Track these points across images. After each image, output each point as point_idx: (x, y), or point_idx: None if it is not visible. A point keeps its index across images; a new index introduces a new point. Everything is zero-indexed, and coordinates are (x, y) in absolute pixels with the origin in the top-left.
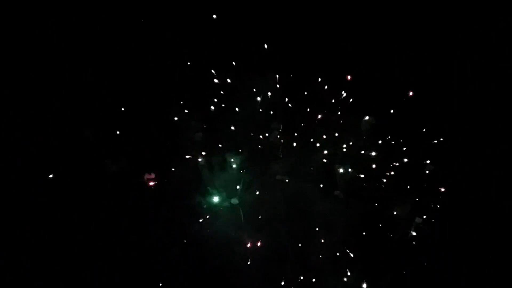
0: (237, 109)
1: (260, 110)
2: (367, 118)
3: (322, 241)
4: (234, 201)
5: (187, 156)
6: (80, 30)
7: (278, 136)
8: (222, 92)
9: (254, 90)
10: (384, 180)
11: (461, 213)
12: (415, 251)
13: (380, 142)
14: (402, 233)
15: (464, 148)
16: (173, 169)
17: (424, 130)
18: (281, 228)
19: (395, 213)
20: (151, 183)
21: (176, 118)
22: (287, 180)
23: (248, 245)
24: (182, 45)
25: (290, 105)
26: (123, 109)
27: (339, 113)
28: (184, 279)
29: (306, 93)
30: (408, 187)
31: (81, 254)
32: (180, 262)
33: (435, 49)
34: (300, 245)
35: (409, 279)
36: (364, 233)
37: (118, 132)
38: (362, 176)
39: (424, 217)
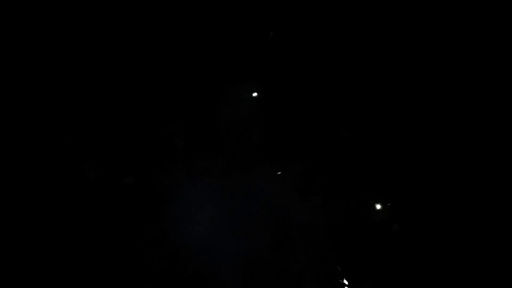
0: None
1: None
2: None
3: (302, 248)
4: (212, 207)
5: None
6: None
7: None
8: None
9: (236, 94)
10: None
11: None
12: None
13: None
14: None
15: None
16: (151, 175)
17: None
18: (260, 235)
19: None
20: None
21: (155, 123)
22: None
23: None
24: (161, 45)
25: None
26: (93, 114)
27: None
28: (162, 286)
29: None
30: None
31: (60, 263)
32: (158, 269)
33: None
34: (278, 252)
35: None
36: (345, 238)
37: (97, 137)
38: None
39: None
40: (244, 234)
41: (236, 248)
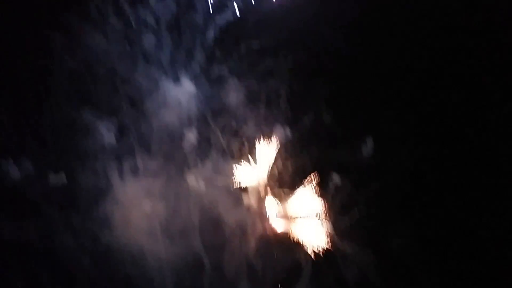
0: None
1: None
2: None
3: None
4: (145, 209)
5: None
6: None
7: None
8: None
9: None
10: None
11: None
12: None
13: None
14: None
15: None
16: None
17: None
18: (196, 238)
19: None
20: None
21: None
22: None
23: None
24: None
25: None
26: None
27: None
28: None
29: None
30: None
31: None
32: (90, 271)
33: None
34: (214, 255)
35: None
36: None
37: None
38: None
39: None
40: (179, 236)
41: (171, 250)
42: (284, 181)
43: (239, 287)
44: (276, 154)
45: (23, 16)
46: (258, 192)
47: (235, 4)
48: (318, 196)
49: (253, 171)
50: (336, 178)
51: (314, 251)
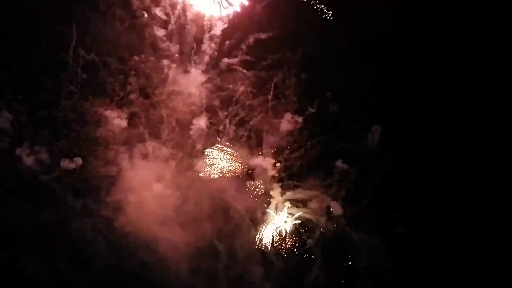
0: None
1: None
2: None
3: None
4: (156, 195)
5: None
6: None
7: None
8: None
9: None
10: None
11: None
12: None
13: None
14: None
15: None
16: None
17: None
18: (207, 223)
19: None
20: None
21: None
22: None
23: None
24: None
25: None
26: None
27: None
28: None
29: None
30: None
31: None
32: (102, 257)
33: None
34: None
35: None
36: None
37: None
38: None
39: None
40: (190, 222)
41: (183, 237)
42: (291, 169)
43: (253, 271)
44: (283, 142)
45: (37, 10)
46: (266, 180)
47: None
48: (325, 184)
49: (260, 159)
50: (342, 166)
51: (323, 238)
